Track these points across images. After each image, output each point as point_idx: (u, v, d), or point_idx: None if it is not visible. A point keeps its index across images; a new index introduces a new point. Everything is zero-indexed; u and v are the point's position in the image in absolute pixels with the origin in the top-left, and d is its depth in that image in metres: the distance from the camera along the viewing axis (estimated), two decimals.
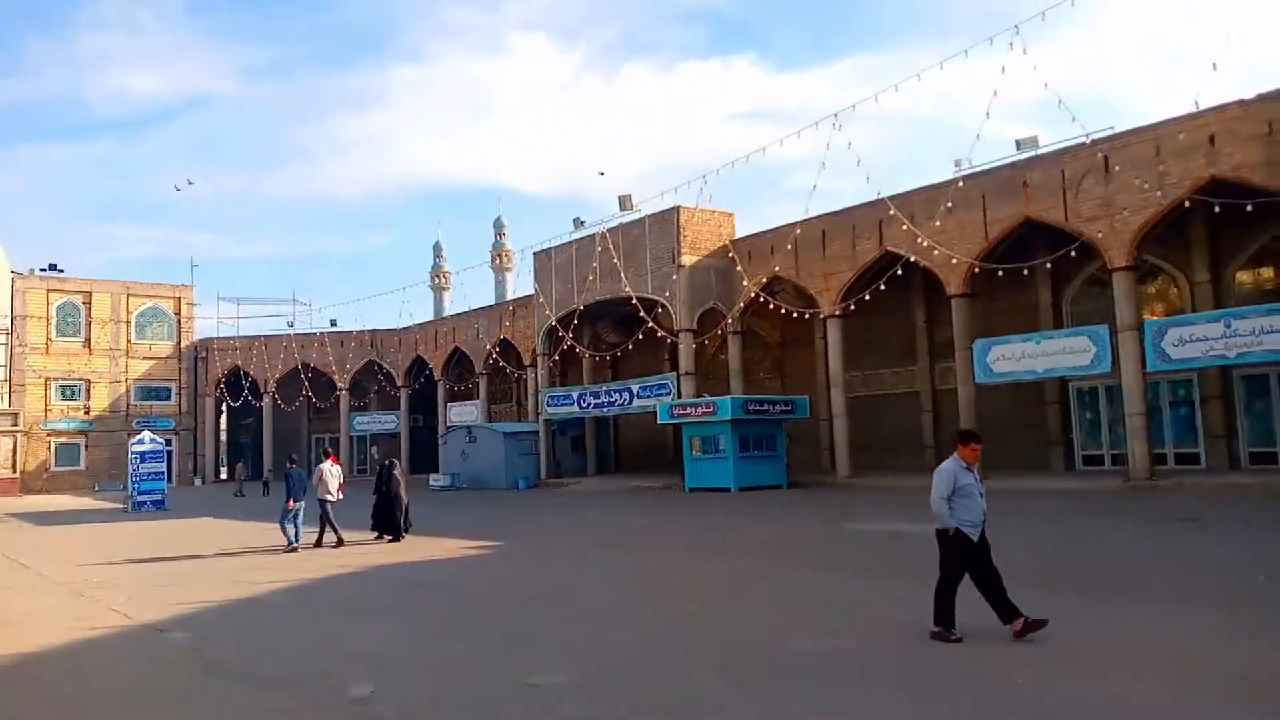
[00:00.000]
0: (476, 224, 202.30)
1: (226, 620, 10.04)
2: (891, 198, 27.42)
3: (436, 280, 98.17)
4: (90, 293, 54.60)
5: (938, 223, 26.22)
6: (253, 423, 58.16)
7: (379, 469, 18.81)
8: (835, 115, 25.20)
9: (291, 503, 16.71)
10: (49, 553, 18.09)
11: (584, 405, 36.89)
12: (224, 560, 15.74)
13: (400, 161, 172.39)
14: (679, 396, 31.97)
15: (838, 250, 29.39)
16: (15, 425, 50.36)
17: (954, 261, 26.06)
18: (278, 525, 17.00)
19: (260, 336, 55.46)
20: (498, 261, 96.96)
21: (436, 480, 39.50)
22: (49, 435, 52.65)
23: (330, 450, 20.58)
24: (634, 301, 32.48)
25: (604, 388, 36.74)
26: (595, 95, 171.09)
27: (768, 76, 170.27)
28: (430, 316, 61.86)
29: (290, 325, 56.51)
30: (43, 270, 53.97)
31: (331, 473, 17.23)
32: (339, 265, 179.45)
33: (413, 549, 16.06)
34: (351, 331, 52.93)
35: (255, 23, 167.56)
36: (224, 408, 58.37)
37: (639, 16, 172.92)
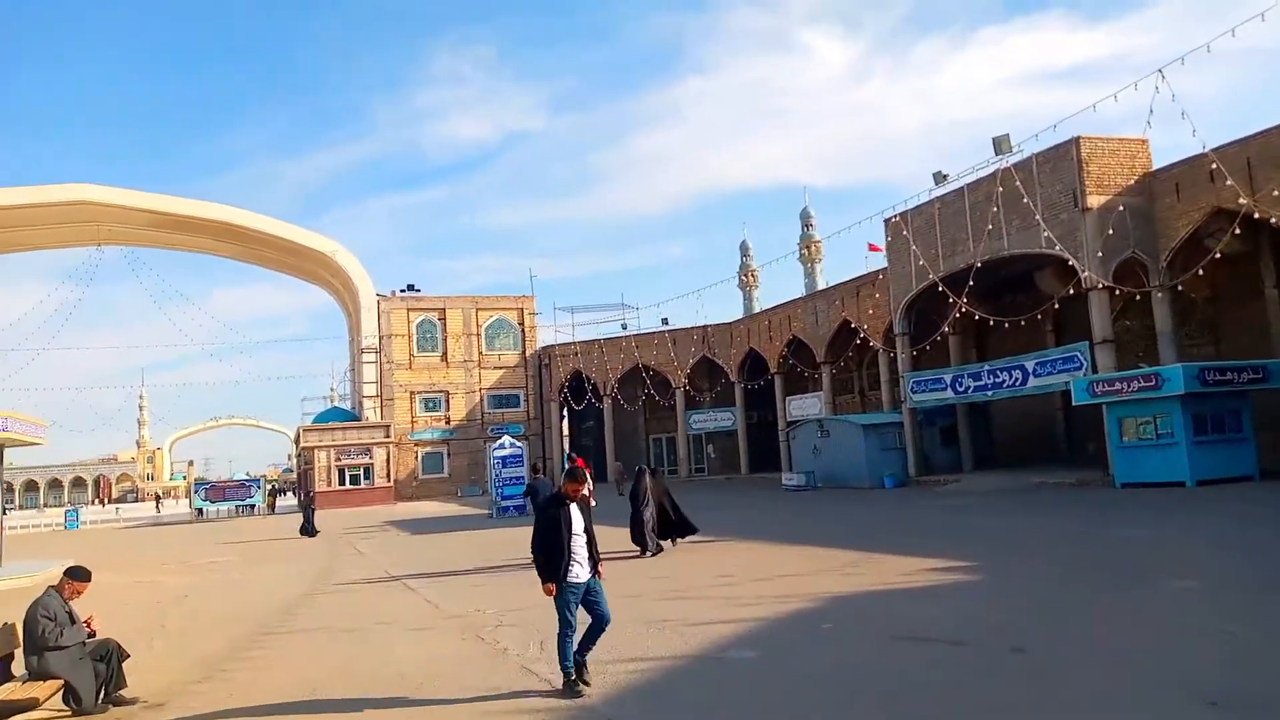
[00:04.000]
0: (770, 221, 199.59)
1: (692, 702, 6.88)
2: None
3: (745, 279, 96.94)
4: (444, 309, 58.11)
5: None
6: (594, 425, 58.71)
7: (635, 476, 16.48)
8: (1182, 58, 18.77)
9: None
10: (429, 566, 16.70)
11: (960, 389, 31.82)
12: (613, 577, 13.27)
13: (695, 170, 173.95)
14: (1094, 371, 26.10)
15: None
16: (388, 437, 54.24)
17: None
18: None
19: (599, 340, 55.86)
20: (806, 253, 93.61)
21: (789, 480, 36.22)
22: (415, 445, 56.32)
23: (575, 454, 18.88)
24: (1047, 250, 26.67)
25: (985, 367, 31.37)
26: (887, 77, 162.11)
27: (1078, 30, 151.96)
28: (740, 315, 59.31)
29: (624, 327, 56.49)
30: (402, 291, 58.25)
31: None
32: (645, 275, 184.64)
33: (825, 568, 12.58)
34: (687, 329, 51.81)
35: (555, 59, 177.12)
36: (565, 411, 59.50)
37: None
